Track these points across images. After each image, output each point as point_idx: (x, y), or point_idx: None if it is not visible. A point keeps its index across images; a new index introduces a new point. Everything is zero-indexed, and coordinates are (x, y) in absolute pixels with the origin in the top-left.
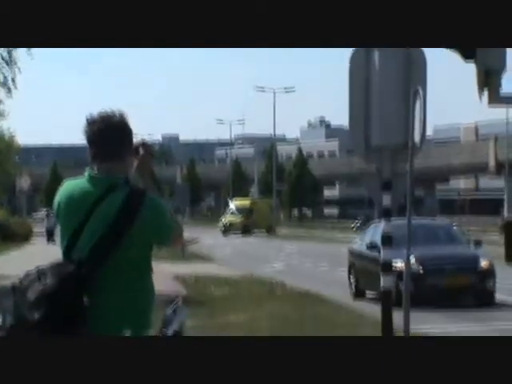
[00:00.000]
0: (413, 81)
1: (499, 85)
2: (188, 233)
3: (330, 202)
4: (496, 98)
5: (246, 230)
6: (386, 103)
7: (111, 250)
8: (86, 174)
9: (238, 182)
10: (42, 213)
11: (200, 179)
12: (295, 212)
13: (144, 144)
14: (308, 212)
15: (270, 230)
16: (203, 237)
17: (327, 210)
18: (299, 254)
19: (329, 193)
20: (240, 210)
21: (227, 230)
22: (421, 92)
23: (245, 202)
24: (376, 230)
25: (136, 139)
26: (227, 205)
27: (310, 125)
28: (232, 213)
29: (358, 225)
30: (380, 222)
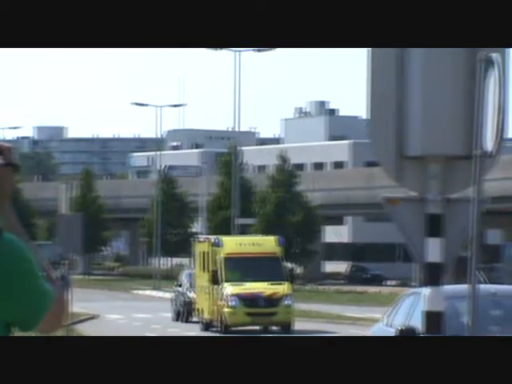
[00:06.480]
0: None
1: None
2: (81, 303)
3: (334, 252)
4: None
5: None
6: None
7: None
8: None
9: (171, 212)
10: None
11: (103, 205)
12: None
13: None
14: (296, 267)
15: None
16: (108, 310)
17: (330, 265)
18: None
19: (332, 235)
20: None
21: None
22: (496, 60)
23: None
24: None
25: None
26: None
27: (304, 112)
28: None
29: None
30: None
